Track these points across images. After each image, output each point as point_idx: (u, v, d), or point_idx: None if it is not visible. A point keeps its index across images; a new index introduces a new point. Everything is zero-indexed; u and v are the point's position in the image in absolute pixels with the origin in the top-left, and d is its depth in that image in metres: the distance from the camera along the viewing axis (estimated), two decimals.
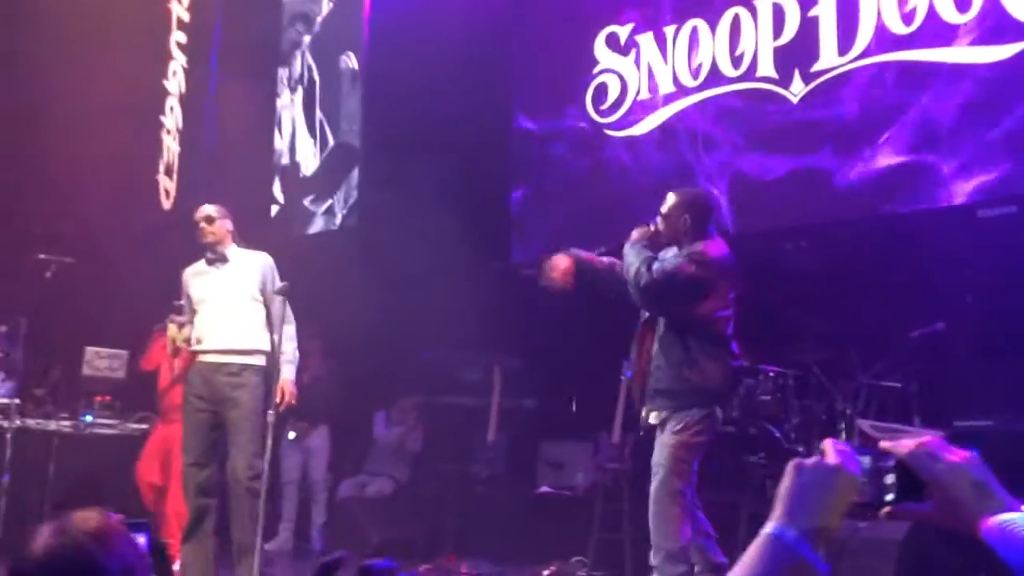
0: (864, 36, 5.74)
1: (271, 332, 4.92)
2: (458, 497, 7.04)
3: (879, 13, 5.67)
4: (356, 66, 8.30)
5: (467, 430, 7.64)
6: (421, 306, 7.06)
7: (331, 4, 8.64)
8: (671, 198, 4.37)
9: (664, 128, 6.73)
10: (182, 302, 5.11)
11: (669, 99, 6.73)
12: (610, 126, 7.01)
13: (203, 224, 4.98)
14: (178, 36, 9.14)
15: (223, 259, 5.01)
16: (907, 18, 5.55)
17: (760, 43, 6.23)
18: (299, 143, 8.72)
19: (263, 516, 4.77)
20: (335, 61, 8.47)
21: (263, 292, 4.96)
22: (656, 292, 4.15)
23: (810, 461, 1.09)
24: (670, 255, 4.29)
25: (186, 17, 9.14)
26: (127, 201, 8.21)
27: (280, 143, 8.84)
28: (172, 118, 9.14)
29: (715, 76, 6.47)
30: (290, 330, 4.94)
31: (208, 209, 5.04)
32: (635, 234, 4.34)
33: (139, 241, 7.81)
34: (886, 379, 5.26)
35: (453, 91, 7.20)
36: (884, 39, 5.66)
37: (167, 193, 9.05)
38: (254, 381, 4.87)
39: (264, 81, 8.81)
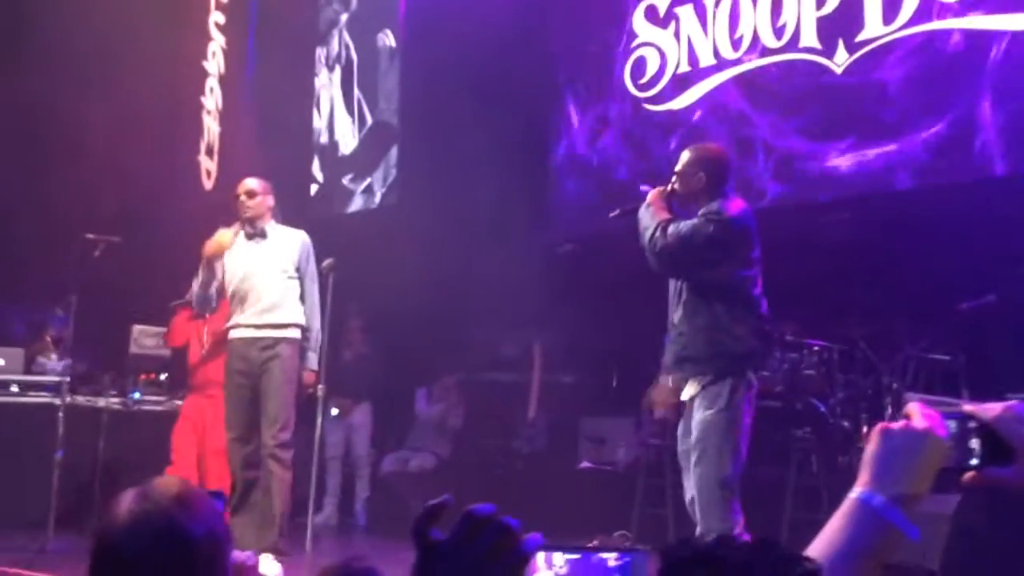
0: (909, 5, 5.63)
1: (308, 309, 4.95)
2: (500, 473, 7.07)
3: None
4: (393, 43, 8.29)
5: (508, 406, 7.67)
6: (461, 283, 7.07)
7: None
8: (685, 155, 4.15)
9: (704, 101, 6.66)
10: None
11: (709, 72, 6.65)
12: (649, 100, 6.95)
13: (244, 198, 4.98)
14: (216, 17, 9.18)
15: (262, 234, 5.00)
16: None
17: (803, 13, 6.14)
18: (337, 122, 8.75)
19: (313, 491, 4.79)
20: (372, 39, 8.47)
21: (298, 270, 4.97)
22: (671, 256, 3.95)
23: (897, 425, 1.08)
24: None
25: None
26: (169, 182, 8.29)
27: (318, 122, 8.87)
28: (212, 99, 9.20)
29: (757, 47, 6.39)
30: (317, 316, 4.97)
31: (251, 183, 5.04)
32: (651, 195, 4.11)
33: (182, 221, 7.88)
34: (933, 352, 5.20)
35: (491, 67, 7.17)
36: (928, 7, 5.55)
37: (208, 173, 9.13)
38: (287, 352, 4.87)
39: (302, 60, 8.83)
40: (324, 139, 8.85)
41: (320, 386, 4.81)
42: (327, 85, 8.83)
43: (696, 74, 6.72)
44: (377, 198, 8.38)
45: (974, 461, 1.13)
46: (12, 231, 7.86)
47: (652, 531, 5.79)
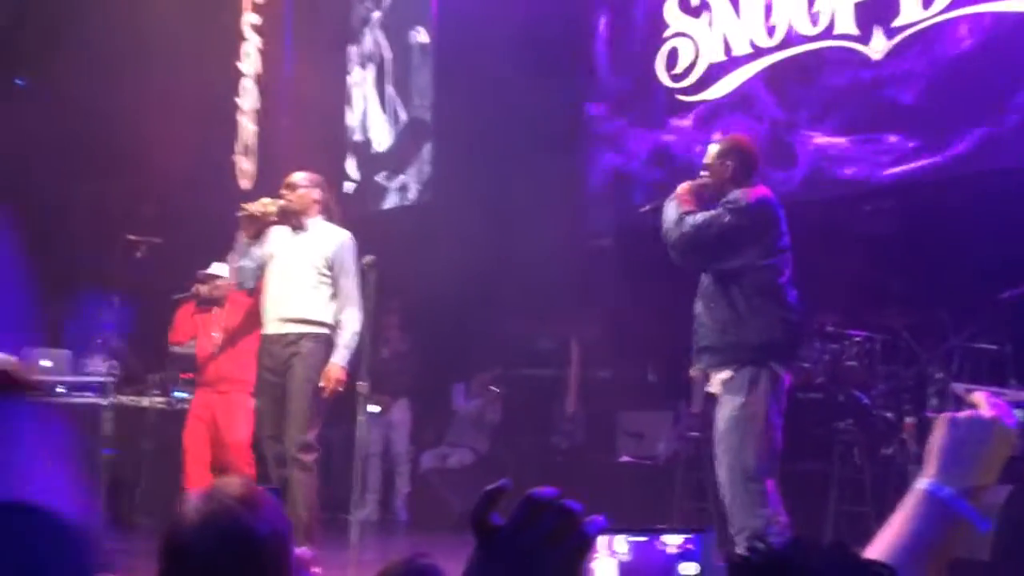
0: None
1: (346, 308, 4.81)
2: (538, 468, 7.07)
3: None
4: (426, 40, 8.31)
5: (546, 401, 7.67)
6: (497, 278, 7.08)
7: None
8: (713, 147, 4.14)
9: (739, 91, 6.61)
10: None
11: (743, 60, 6.60)
12: (683, 91, 6.91)
13: (284, 191, 4.92)
14: (251, 18, 9.25)
15: (302, 228, 4.93)
16: None
17: None
18: (371, 119, 8.78)
19: (359, 487, 4.74)
20: (405, 36, 8.49)
21: (331, 268, 4.85)
22: (687, 246, 3.92)
23: (964, 415, 1.07)
24: None
25: None
26: (207, 183, 8.37)
27: (352, 120, 8.91)
28: (248, 99, 9.28)
29: (792, 35, 6.32)
30: (353, 313, 4.81)
31: (295, 177, 4.96)
32: (679, 188, 4.07)
33: (218, 221, 7.95)
34: (979, 341, 5.12)
35: (524, 63, 7.15)
36: None
37: (245, 173, 9.21)
38: (310, 348, 4.73)
39: (336, 59, 8.86)
40: (358, 137, 8.88)
41: (360, 383, 4.78)
42: (360, 83, 8.86)
43: (731, 63, 6.67)
44: (412, 195, 8.40)
45: None
46: (61, 233, 7.98)
47: (692, 525, 5.77)
